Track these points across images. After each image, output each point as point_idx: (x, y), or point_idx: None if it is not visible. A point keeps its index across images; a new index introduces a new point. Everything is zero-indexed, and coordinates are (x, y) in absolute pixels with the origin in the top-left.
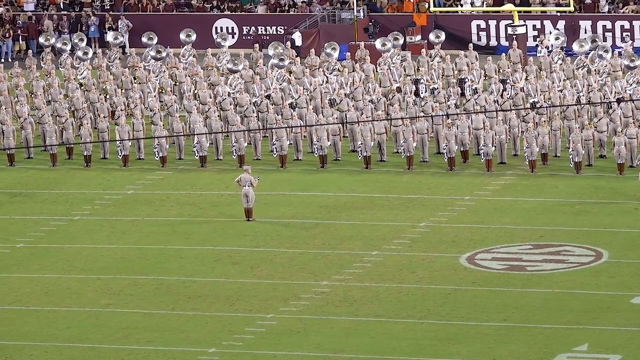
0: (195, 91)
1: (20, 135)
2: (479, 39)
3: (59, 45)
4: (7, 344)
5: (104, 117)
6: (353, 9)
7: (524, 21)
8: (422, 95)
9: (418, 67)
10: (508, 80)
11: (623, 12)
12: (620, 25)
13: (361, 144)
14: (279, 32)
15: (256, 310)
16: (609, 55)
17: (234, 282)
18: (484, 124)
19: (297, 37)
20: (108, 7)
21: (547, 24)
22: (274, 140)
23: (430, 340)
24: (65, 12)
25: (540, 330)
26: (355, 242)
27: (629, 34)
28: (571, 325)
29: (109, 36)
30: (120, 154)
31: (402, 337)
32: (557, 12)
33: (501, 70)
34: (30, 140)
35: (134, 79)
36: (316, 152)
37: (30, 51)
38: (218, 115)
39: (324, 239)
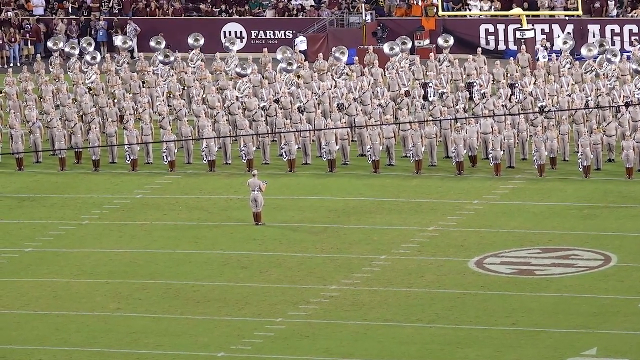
0: (204, 95)
1: (29, 139)
2: (487, 43)
3: (67, 49)
4: (17, 348)
5: (112, 121)
6: (361, 13)
7: (532, 25)
8: (430, 99)
9: (426, 71)
10: (516, 85)
11: (631, 16)
12: (629, 29)
13: (370, 148)
14: (287, 37)
15: (265, 314)
16: (618, 59)
17: (243, 286)
18: (492, 128)
19: (300, 41)
20: (116, 12)
21: (556, 28)
22: (282, 144)
23: (438, 344)
24: (74, 17)
25: (549, 334)
26: (364, 246)
27: (637, 37)
28: (580, 329)
29: (118, 40)
30: (128, 158)
31: (410, 341)
32: (566, 16)
33: (509, 75)
34: (38, 144)
35: (143, 83)
36: (325, 156)
37: (38, 55)
38: (226, 120)
39: (332, 243)
